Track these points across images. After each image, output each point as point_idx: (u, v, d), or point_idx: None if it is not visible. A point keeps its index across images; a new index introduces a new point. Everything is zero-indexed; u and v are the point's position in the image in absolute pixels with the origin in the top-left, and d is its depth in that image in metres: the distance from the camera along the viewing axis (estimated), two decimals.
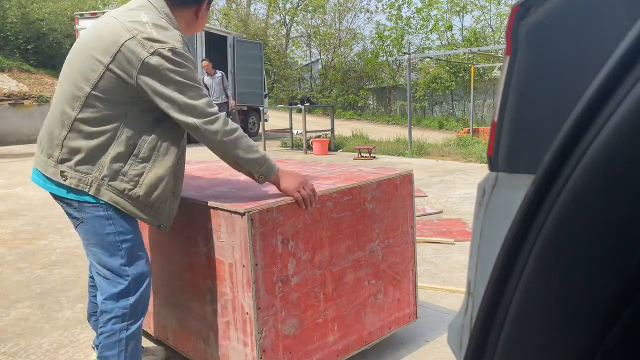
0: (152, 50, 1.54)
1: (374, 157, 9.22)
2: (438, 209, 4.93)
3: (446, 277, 3.15)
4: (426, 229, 4.21)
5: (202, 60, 10.47)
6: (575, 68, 0.74)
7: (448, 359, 2.17)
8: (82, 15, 11.88)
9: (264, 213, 1.65)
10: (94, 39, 1.61)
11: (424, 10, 23.91)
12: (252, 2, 29.65)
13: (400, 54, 22.95)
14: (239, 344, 1.74)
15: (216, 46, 12.91)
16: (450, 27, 23.72)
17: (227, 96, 10.54)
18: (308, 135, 10.30)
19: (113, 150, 1.60)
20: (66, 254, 3.84)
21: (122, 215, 1.65)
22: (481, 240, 0.88)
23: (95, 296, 2.00)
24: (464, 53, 16.04)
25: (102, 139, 1.59)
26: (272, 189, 1.81)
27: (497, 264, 0.71)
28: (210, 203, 1.75)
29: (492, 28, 23.49)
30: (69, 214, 1.69)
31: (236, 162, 1.67)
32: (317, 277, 1.84)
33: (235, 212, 1.64)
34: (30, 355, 2.33)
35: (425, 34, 24.51)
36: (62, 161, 1.61)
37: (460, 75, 21.25)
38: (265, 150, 10.54)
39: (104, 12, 11.63)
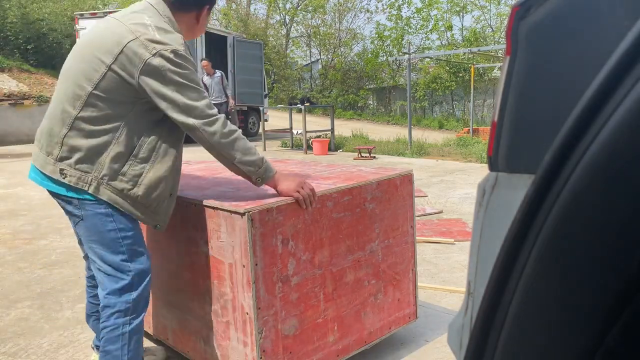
0: (154, 51, 1.55)
1: (374, 157, 9.21)
2: (438, 209, 4.93)
3: (446, 277, 3.15)
4: (426, 229, 4.21)
5: (201, 60, 10.48)
6: (575, 68, 0.74)
7: (448, 359, 2.17)
8: (82, 15, 11.88)
9: (264, 213, 1.65)
10: (97, 39, 1.63)
11: (424, 10, 23.91)
12: (252, 2, 29.68)
13: (400, 54, 22.95)
14: (239, 344, 1.74)
15: (216, 46, 12.92)
16: (450, 27, 23.73)
17: (226, 96, 10.54)
18: (308, 135, 10.29)
19: (113, 150, 1.61)
20: (66, 254, 3.84)
21: (121, 213, 1.66)
22: (481, 240, 0.88)
23: (93, 296, 2.01)
24: (464, 53, 16.04)
25: (102, 138, 1.60)
26: (272, 189, 1.82)
27: (497, 264, 0.71)
28: (211, 203, 1.75)
29: (492, 28, 23.51)
30: (67, 212, 1.70)
31: (233, 164, 1.68)
32: (317, 277, 1.84)
33: (236, 212, 1.64)
34: (30, 355, 2.33)
35: (425, 34, 24.53)
36: (62, 159, 1.61)
37: (460, 75, 21.25)
38: (265, 150, 10.55)
39: (104, 12, 11.73)
